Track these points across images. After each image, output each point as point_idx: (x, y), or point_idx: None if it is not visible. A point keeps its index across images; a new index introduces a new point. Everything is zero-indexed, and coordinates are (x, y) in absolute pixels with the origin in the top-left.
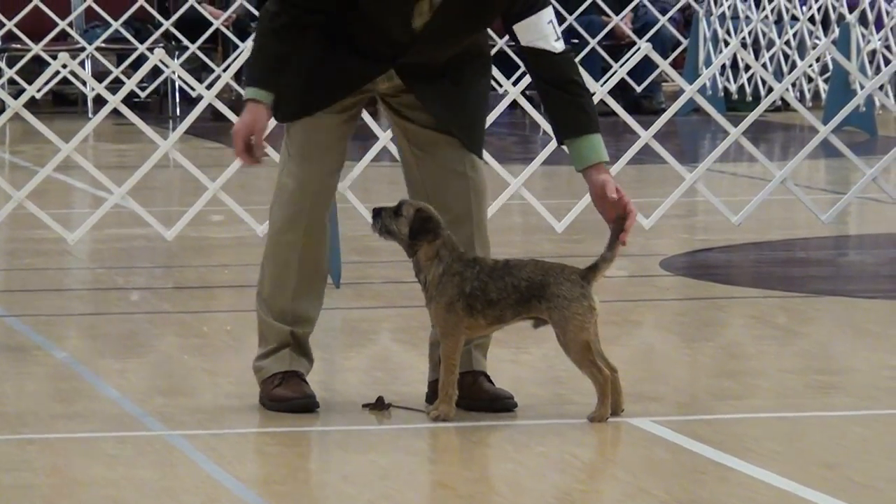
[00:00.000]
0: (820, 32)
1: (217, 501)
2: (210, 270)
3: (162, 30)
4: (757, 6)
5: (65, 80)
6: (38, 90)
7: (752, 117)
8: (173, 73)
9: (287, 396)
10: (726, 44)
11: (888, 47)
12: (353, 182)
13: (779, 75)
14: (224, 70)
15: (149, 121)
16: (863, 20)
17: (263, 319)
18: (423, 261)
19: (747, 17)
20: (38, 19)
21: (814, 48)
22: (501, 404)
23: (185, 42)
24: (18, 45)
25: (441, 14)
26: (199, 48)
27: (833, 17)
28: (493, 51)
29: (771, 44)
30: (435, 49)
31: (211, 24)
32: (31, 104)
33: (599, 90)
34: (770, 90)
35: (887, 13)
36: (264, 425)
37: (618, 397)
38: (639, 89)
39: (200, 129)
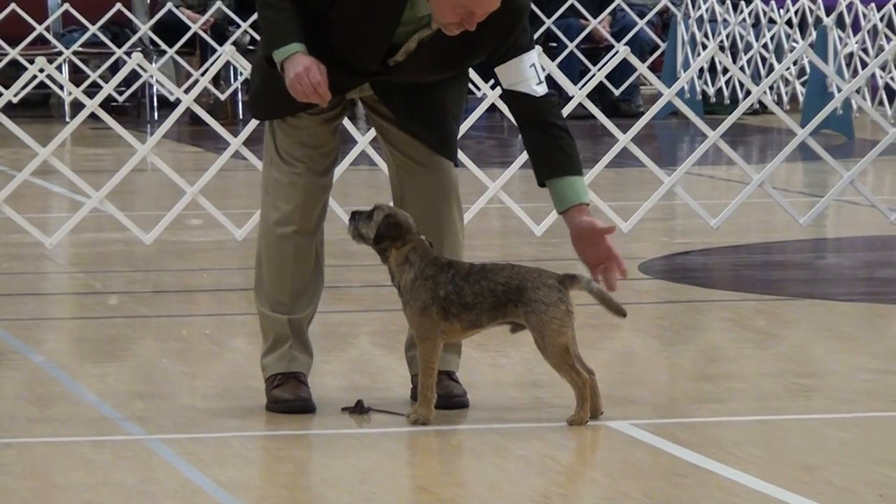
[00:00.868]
0: (797, 36)
1: None
2: (189, 274)
3: (140, 34)
4: (734, 9)
5: (41, 85)
6: (16, 94)
7: (730, 120)
8: (151, 77)
9: (283, 398)
10: (704, 47)
11: (865, 50)
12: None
13: (756, 78)
14: (202, 74)
15: (126, 125)
16: (840, 23)
17: (262, 312)
18: (394, 266)
19: (725, 21)
20: (15, 23)
21: (791, 51)
22: (453, 402)
23: (164, 46)
24: None
25: (423, 53)
26: (176, 52)
27: (810, 20)
28: None
29: (748, 47)
30: (412, 78)
31: (189, 28)
32: (8, 108)
33: (578, 93)
34: (748, 93)
35: (864, 16)
36: (244, 429)
37: (596, 400)
38: (617, 93)
39: (178, 133)
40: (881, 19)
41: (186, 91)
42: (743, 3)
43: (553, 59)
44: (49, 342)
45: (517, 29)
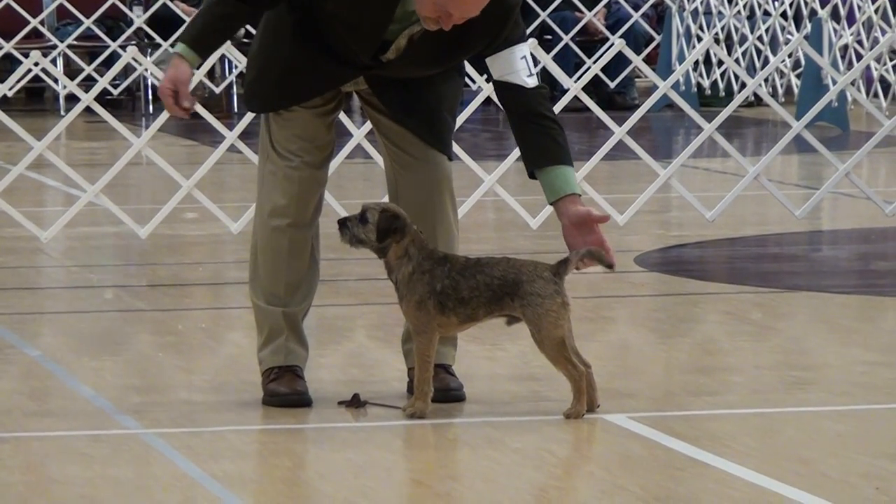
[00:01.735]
0: (792, 28)
1: (193, 499)
2: (184, 268)
3: (134, 27)
4: (729, 2)
5: (36, 78)
6: (10, 88)
7: (725, 113)
8: (146, 70)
9: (279, 392)
10: (699, 39)
11: (860, 42)
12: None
13: (751, 71)
14: (197, 68)
15: (122, 118)
16: (835, 15)
17: (256, 304)
18: (393, 260)
19: (720, 13)
20: (9, 17)
21: (786, 43)
22: (449, 395)
23: (158, 39)
24: None
25: (414, 49)
26: (171, 45)
27: (805, 12)
28: None
29: (743, 39)
30: (405, 73)
31: (183, 21)
32: (3, 102)
33: (573, 86)
34: (743, 86)
35: (859, 8)
36: (240, 423)
37: (592, 393)
38: (612, 85)
39: (173, 126)
40: (876, 11)
41: None
42: None
43: (548, 52)
44: (44, 336)
45: (508, 24)
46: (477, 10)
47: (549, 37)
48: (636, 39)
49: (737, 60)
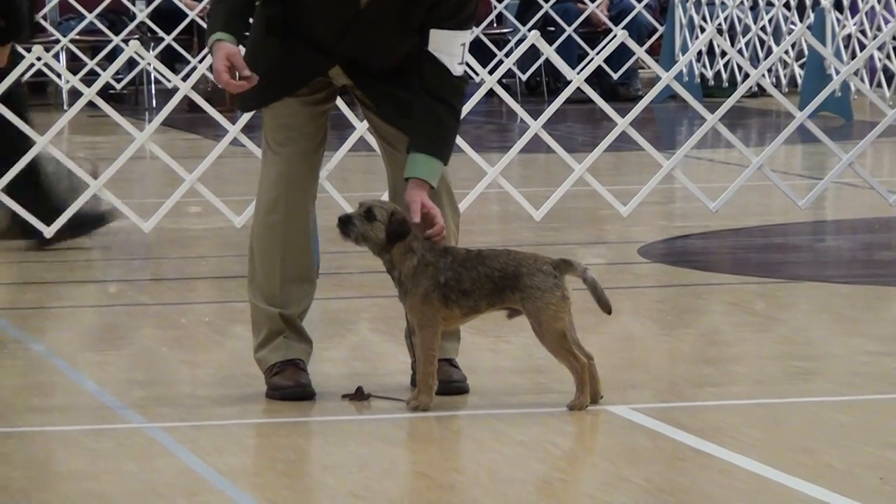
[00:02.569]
0: (795, 18)
1: (197, 493)
2: (188, 262)
3: (137, 21)
4: None
5: (39, 73)
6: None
7: (728, 103)
8: (149, 65)
9: (282, 385)
10: (702, 30)
11: (863, 32)
12: (330, 172)
13: (755, 61)
14: (199, 62)
15: (124, 113)
16: (838, 5)
17: (254, 304)
18: (398, 256)
19: (723, 3)
20: None
21: (789, 33)
22: (452, 387)
23: (161, 34)
24: None
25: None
26: (174, 39)
27: (808, 2)
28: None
29: (747, 29)
30: (376, 44)
31: (186, 15)
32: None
33: (576, 78)
34: (746, 76)
35: None
36: (244, 416)
37: (595, 385)
38: (615, 76)
39: (177, 120)
40: (879, 1)
41: (184, 79)
42: None
43: (551, 44)
44: (48, 331)
45: None
46: None
47: (552, 28)
48: (639, 30)
49: (740, 51)
